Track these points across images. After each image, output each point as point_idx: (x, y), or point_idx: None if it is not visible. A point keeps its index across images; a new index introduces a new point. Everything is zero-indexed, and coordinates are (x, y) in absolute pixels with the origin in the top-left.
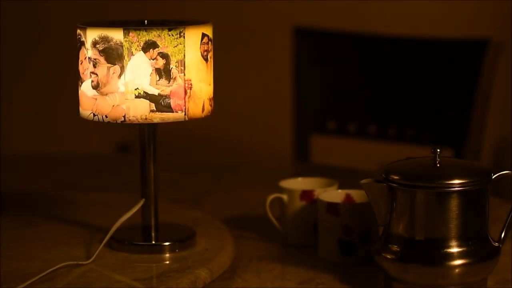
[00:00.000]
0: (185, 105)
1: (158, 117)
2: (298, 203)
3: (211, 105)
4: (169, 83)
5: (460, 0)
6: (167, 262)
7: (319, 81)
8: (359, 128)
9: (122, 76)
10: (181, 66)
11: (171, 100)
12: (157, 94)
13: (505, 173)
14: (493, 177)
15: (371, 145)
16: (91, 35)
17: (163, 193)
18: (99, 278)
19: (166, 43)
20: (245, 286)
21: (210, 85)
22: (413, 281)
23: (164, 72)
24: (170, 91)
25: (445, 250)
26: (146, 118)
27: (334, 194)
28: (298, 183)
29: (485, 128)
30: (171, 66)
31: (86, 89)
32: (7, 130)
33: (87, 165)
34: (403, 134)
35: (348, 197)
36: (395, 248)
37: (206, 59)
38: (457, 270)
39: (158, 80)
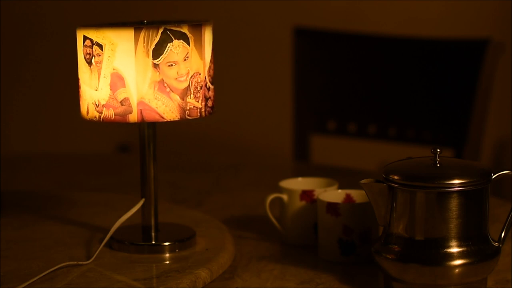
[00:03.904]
0: (80, 102)
1: None
2: (298, 203)
3: (99, 111)
4: None
5: (460, 0)
6: (167, 262)
7: (319, 81)
8: (359, 128)
9: None
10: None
11: None
12: None
13: (505, 173)
14: (493, 177)
15: (371, 145)
16: None
17: (163, 193)
18: (99, 278)
19: None
20: (245, 286)
21: (96, 90)
22: (413, 281)
23: None
24: None
25: (445, 250)
26: None
27: (334, 194)
28: (298, 183)
29: (485, 128)
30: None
31: None
32: (7, 130)
33: (87, 165)
34: (403, 134)
35: (348, 197)
36: (395, 248)
37: (89, 63)
38: (457, 270)
39: None
